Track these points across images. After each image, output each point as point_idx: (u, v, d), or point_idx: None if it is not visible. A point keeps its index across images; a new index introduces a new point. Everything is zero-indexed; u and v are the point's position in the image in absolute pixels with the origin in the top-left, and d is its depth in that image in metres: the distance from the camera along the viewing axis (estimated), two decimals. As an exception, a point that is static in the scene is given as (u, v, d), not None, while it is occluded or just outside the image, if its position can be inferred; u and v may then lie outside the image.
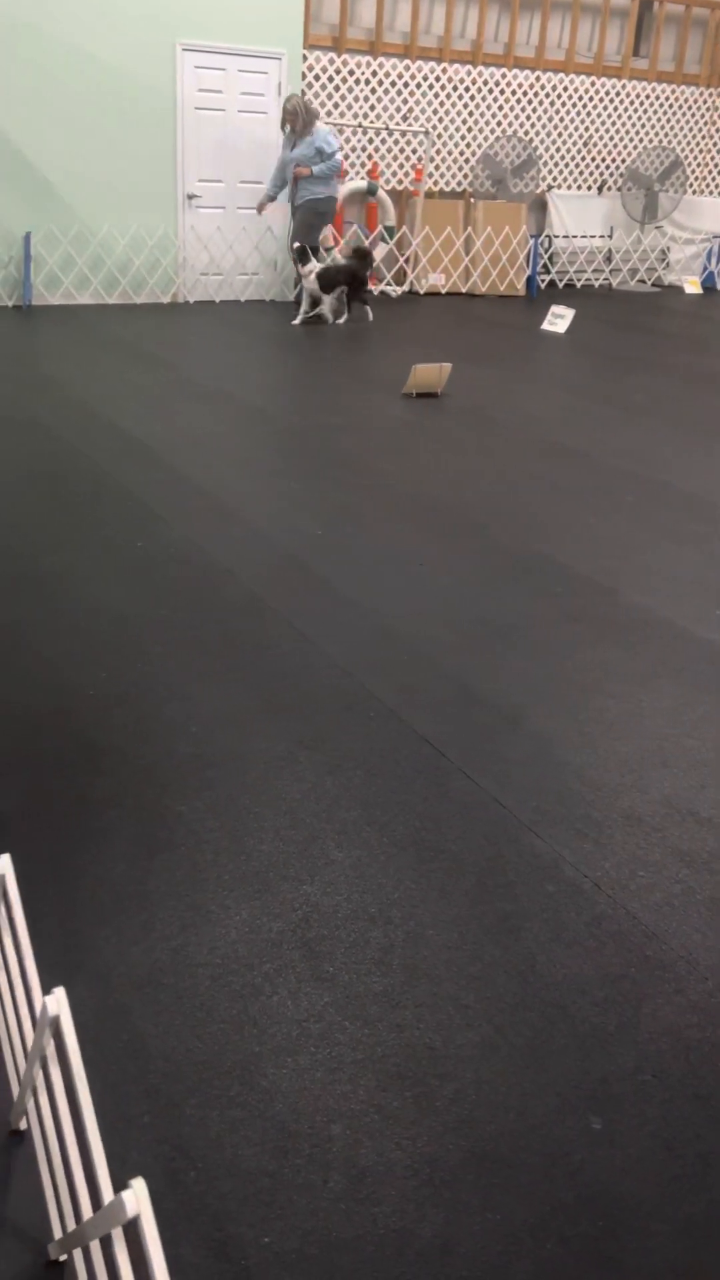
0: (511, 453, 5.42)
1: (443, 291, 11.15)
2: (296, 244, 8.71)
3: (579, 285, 12.20)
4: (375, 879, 2.21)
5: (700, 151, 12.62)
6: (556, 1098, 1.70)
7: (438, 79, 10.66)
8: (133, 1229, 0.87)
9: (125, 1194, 0.83)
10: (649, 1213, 1.52)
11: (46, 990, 1.68)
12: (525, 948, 2.02)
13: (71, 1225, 1.28)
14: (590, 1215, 1.52)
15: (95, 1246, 1.13)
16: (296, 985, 1.92)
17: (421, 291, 11.04)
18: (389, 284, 10.99)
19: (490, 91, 11.01)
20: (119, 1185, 1.48)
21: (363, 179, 10.48)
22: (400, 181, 10.89)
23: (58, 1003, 1.03)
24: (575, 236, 11.94)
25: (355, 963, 1.98)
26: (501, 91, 11.05)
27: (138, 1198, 0.82)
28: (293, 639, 3.25)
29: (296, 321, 8.85)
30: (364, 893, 2.17)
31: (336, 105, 10.25)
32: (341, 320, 9.00)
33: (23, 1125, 1.62)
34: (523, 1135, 1.63)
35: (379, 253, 10.63)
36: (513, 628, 3.40)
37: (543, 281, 11.89)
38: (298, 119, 8.53)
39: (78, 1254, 1.31)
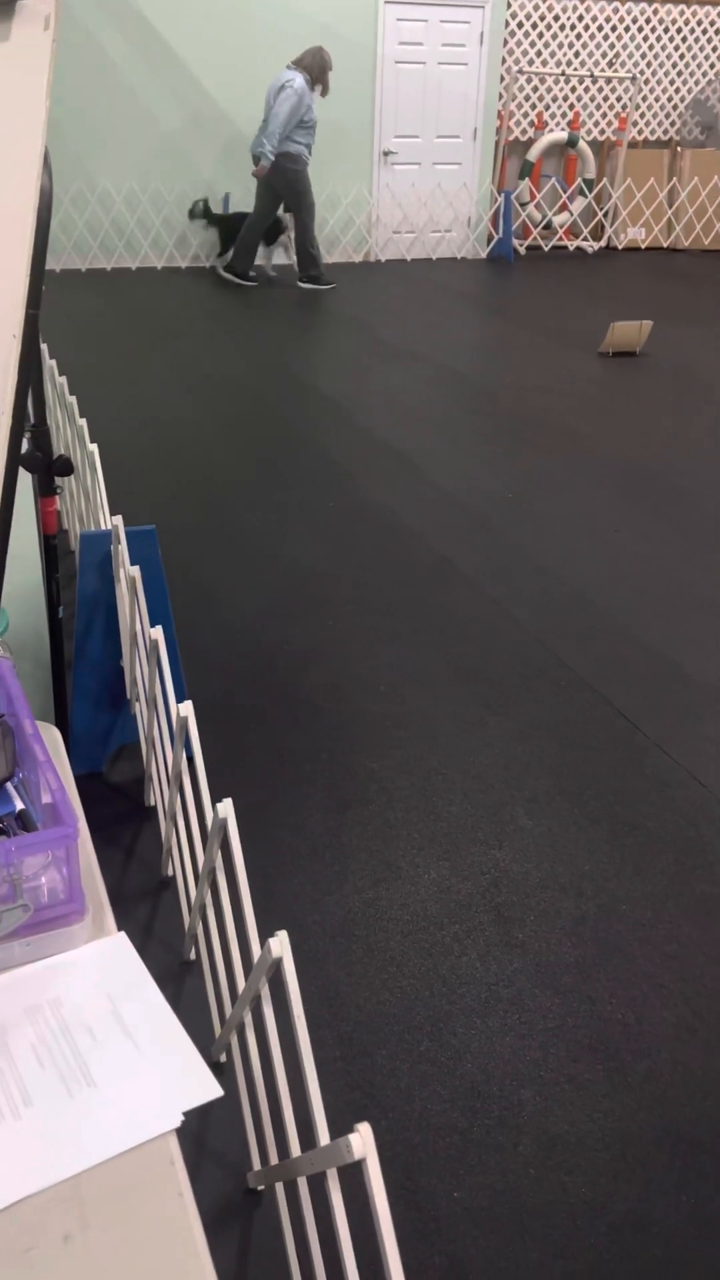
0: (717, 415, 5.18)
1: (642, 246, 10.71)
2: None
3: (791, 238, 11.46)
4: (567, 849, 2.18)
5: None
6: (757, 1088, 1.64)
7: (648, 21, 10.17)
8: (349, 1171, 0.89)
9: (352, 1137, 0.85)
10: None
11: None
12: (725, 931, 1.96)
13: (273, 1158, 1.33)
14: None
15: (302, 1182, 1.17)
16: (486, 949, 1.93)
17: (620, 247, 10.64)
18: (586, 239, 10.65)
19: (705, 32, 10.42)
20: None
21: (563, 130, 10.15)
22: (602, 131, 10.49)
23: (281, 946, 1.07)
24: (789, 185, 11.20)
25: (546, 931, 1.96)
26: (718, 32, 10.44)
27: (364, 1142, 0.85)
28: (482, 603, 3.23)
29: None
30: (555, 862, 2.14)
31: (540, 53, 9.94)
32: None
33: (222, 1059, 1.70)
34: (721, 1122, 1.59)
35: (576, 207, 10.29)
36: (716, 600, 3.26)
37: (751, 234, 11.23)
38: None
39: (279, 1187, 1.37)
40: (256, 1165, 1.50)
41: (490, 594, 3.28)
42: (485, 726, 2.61)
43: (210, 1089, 0.84)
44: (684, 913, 2.00)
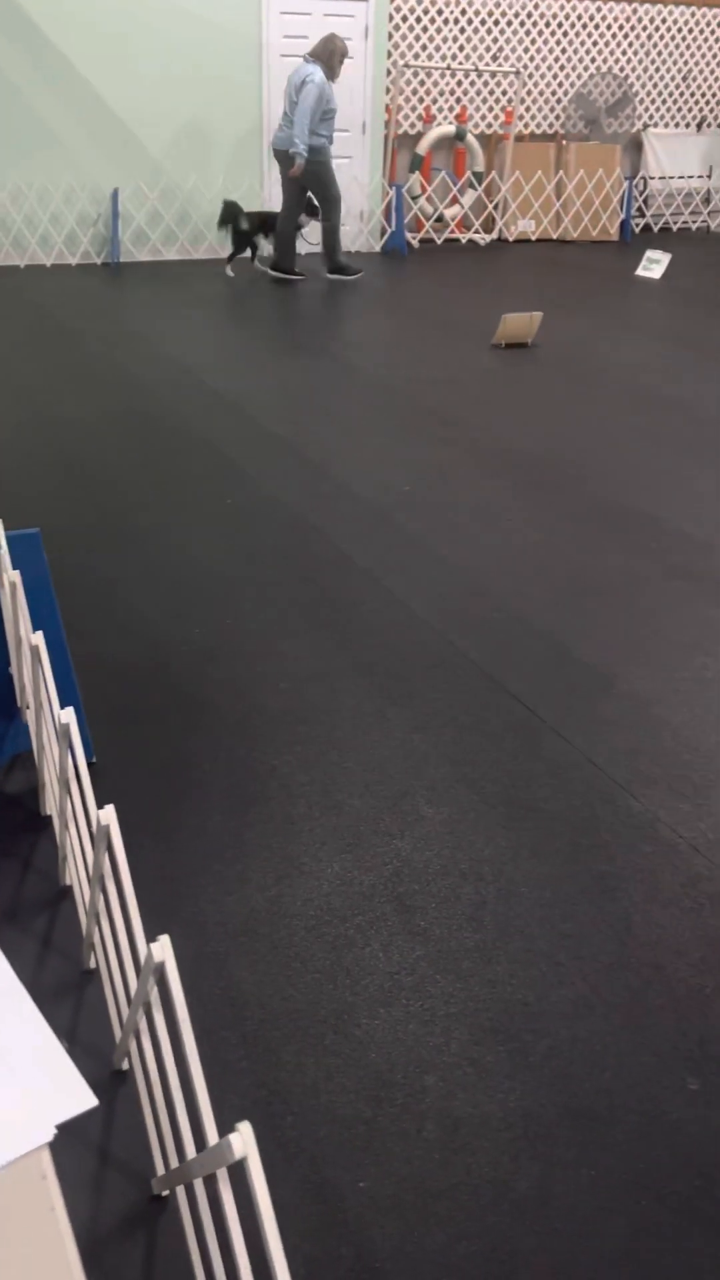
0: (606, 404, 5.29)
1: (532, 238, 10.87)
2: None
3: (675, 229, 11.78)
4: (466, 836, 2.21)
5: None
6: (653, 1057, 1.69)
7: (529, 15, 10.31)
8: (238, 1170, 0.89)
9: (233, 1136, 0.85)
10: (747, 1175, 1.51)
11: (149, 938, 1.73)
12: (620, 908, 2.00)
13: (175, 1163, 1.32)
14: (687, 1174, 1.51)
15: (199, 1184, 1.16)
16: (389, 938, 1.94)
17: (510, 239, 10.78)
18: (477, 232, 10.76)
19: (585, 27, 10.62)
20: (221, 1127, 1.53)
21: (451, 123, 10.23)
22: (490, 125, 10.61)
23: (163, 950, 1.05)
24: (672, 177, 11.50)
25: (447, 918, 1.98)
26: (596, 26, 10.65)
27: (245, 1141, 0.84)
28: (381, 596, 3.24)
29: None
30: (455, 849, 2.17)
31: (424, 47, 10.00)
32: None
33: (124, 1066, 1.68)
34: (619, 1093, 1.62)
35: (467, 200, 10.39)
36: (607, 584, 3.33)
37: (637, 225, 11.50)
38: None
39: (181, 1190, 1.35)
40: (160, 1170, 1.48)
41: (388, 586, 3.30)
42: (385, 718, 2.62)
43: (84, 1100, 0.82)
44: (581, 892, 2.05)
